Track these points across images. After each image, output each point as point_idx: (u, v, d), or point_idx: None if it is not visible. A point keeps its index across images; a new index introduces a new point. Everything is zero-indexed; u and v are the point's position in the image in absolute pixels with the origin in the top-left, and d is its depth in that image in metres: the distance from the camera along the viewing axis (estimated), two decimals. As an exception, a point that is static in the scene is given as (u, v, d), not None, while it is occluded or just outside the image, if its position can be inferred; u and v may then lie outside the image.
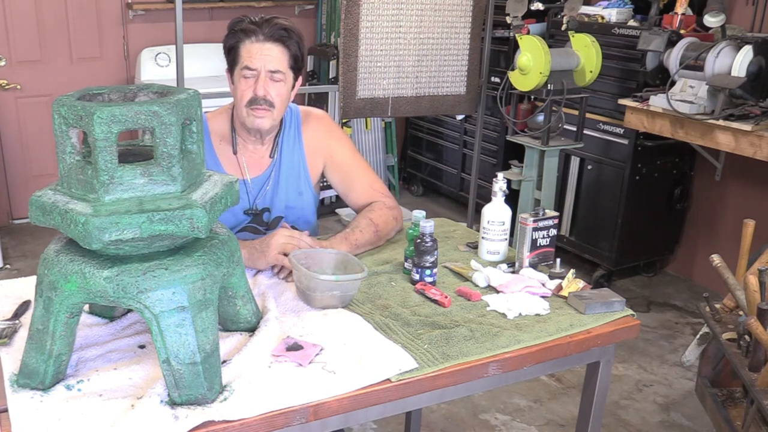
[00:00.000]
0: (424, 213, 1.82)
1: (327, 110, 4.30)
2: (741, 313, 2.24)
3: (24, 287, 1.65)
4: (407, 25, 3.46)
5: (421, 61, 3.56)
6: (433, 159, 5.29)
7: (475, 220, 3.37)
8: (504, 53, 4.41)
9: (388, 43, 3.43)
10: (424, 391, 1.40)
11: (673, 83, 3.34)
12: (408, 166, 5.60)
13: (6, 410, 1.23)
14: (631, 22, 3.76)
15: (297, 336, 1.47)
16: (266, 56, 1.85)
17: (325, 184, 2.47)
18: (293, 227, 1.95)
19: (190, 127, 1.29)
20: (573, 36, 3.46)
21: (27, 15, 4.45)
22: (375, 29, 3.38)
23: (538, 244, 1.83)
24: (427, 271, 1.72)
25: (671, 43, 3.30)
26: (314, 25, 5.32)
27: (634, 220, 3.85)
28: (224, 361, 1.35)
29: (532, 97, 3.76)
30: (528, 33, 3.56)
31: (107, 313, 1.53)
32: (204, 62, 4.72)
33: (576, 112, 3.62)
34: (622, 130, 3.70)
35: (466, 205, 4.45)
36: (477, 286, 1.76)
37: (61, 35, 4.59)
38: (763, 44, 2.97)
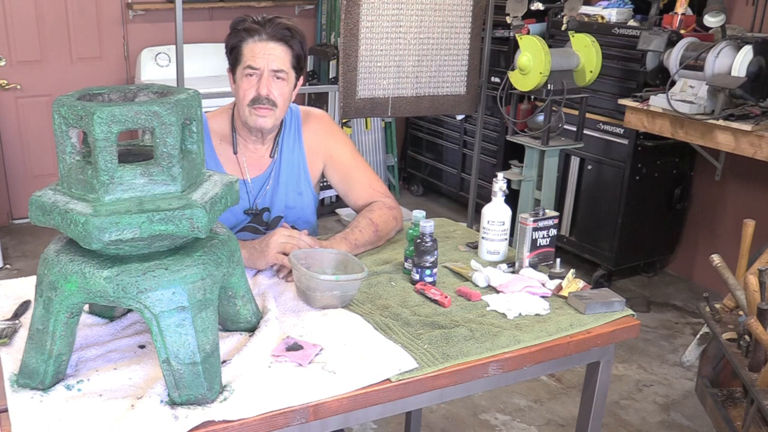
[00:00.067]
0: (424, 213, 1.82)
1: (327, 110, 4.29)
2: (741, 313, 2.24)
3: (24, 287, 1.65)
4: (407, 25, 3.46)
5: (421, 61, 3.56)
6: (433, 159, 5.29)
7: (475, 220, 3.37)
8: (504, 53, 4.41)
9: (388, 43, 3.43)
10: (424, 391, 1.40)
11: (673, 83, 3.34)
12: (408, 166, 5.60)
13: (6, 410, 1.23)
14: (631, 22, 3.76)
15: (297, 336, 1.47)
16: (269, 55, 1.86)
17: (325, 184, 2.47)
18: (293, 227, 1.95)
19: (190, 127, 1.29)
20: (573, 36, 3.46)
21: (27, 15, 4.45)
22: (375, 29, 3.38)
23: (538, 244, 1.83)
24: (427, 271, 1.72)
25: (671, 43, 3.30)
26: (314, 25, 5.32)
27: (634, 220, 3.85)
28: (224, 361, 1.35)
29: (532, 97, 3.76)
30: (528, 33, 3.57)
31: (107, 313, 1.53)
32: (204, 62, 4.72)
33: (576, 112, 3.62)
34: (622, 130, 3.70)
35: (466, 205, 4.45)
36: (477, 286, 1.76)
37: (61, 35, 4.59)
38: (763, 44, 2.97)
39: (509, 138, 3.76)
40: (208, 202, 1.23)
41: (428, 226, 1.71)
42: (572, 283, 1.74)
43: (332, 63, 4.89)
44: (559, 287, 1.73)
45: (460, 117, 4.80)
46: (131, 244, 1.19)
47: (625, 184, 3.76)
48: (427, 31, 3.53)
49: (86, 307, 1.53)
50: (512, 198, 2.36)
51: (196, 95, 1.29)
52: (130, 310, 1.53)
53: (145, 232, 1.16)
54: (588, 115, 3.68)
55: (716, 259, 2.28)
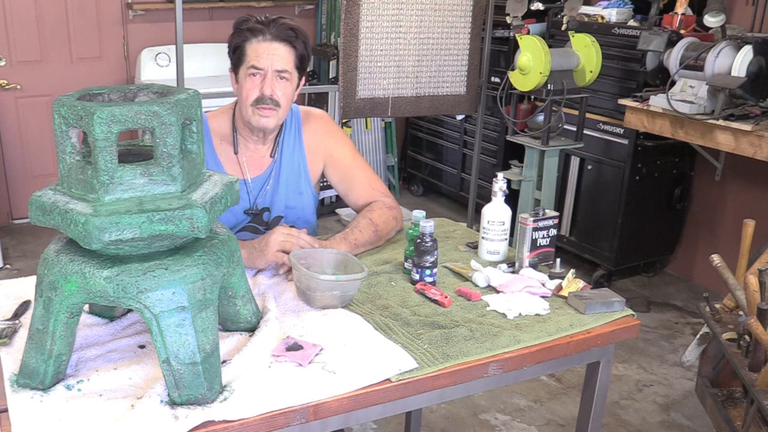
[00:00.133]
0: (424, 213, 1.82)
1: (327, 110, 4.30)
2: (741, 313, 2.24)
3: (24, 287, 1.65)
4: (407, 25, 3.47)
5: (421, 61, 3.56)
6: (433, 159, 5.29)
7: (475, 220, 3.37)
8: (504, 53, 4.41)
9: (388, 43, 3.43)
10: (424, 391, 1.40)
11: (673, 83, 3.34)
12: (408, 166, 5.60)
13: (6, 410, 1.23)
14: (631, 22, 3.76)
15: (297, 336, 1.47)
16: (273, 56, 1.86)
17: (325, 184, 2.47)
18: (292, 227, 1.95)
19: (190, 127, 1.29)
20: (573, 36, 3.46)
21: (27, 15, 4.45)
22: (375, 29, 3.38)
23: (538, 244, 1.83)
24: (427, 271, 1.72)
25: (671, 43, 3.30)
26: (314, 25, 5.32)
27: (634, 220, 3.85)
28: (224, 361, 1.35)
29: (532, 97, 3.76)
30: (528, 33, 3.57)
31: (107, 313, 1.53)
32: (204, 62, 4.72)
33: (576, 112, 3.62)
34: (622, 130, 3.70)
35: (466, 205, 4.45)
36: (477, 286, 1.76)
37: (61, 35, 4.59)
38: (763, 44, 2.97)
39: (509, 138, 3.76)
40: (208, 202, 1.23)
41: (428, 226, 1.71)
42: (572, 283, 1.74)
43: (332, 63, 4.89)
44: (559, 287, 1.73)
45: (460, 117, 4.80)
46: (131, 244, 1.19)
47: (625, 184, 3.76)
48: (427, 31, 3.53)
49: (86, 307, 1.53)
50: (512, 198, 2.36)
51: (196, 95, 1.29)
52: (130, 310, 1.53)
53: (145, 232, 1.16)
54: (588, 115, 3.68)
55: (716, 259, 2.28)
